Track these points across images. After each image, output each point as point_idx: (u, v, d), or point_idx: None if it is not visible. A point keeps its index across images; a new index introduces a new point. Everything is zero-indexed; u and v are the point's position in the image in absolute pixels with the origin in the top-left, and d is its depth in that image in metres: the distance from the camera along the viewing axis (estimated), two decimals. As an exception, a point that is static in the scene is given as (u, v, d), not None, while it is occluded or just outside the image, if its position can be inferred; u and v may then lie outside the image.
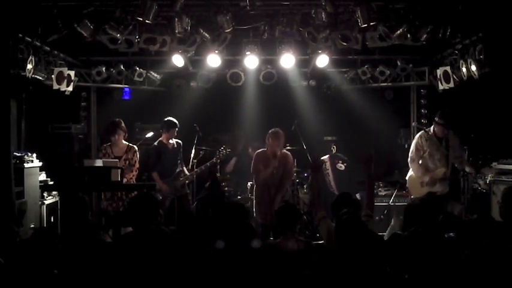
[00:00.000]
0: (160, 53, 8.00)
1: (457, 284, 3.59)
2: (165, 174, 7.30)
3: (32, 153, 6.86)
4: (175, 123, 7.40)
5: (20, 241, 4.35)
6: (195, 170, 7.61)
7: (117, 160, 6.67)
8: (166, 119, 7.45)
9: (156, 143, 7.46)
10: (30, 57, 6.74)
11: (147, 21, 6.40)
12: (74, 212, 4.32)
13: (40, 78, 7.21)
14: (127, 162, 6.90)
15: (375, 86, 9.13)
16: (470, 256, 3.61)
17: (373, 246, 3.73)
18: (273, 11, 6.99)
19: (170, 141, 7.40)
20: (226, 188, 8.41)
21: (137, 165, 7.00)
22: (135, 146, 7.10)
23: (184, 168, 7.54)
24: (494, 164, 6.89)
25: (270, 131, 6.66)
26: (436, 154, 6.64)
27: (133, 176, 6.97)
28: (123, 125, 7.04)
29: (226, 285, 3.48)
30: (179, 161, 7.45)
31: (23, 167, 6.49)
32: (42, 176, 7.03)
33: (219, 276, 3.50)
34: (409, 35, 6.68)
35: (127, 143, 7.07)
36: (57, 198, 7.16)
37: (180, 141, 7.54)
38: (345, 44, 7.08)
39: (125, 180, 6.71)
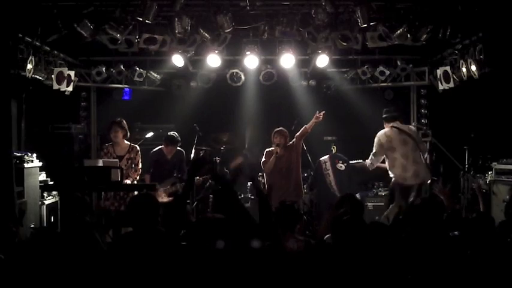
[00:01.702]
0: (160, 53, 7.99)
1: (459, 284, 3.58)
2: (157, 180, 7.21)
3: (32, 153, 6.87)
4: (176, 141, 7.40)
5: (20, 241, 4.35)
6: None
7: (117, 160, 6.65)
8: (169, 134, 7.45)
9: (155, 150, 7.46)
10: (30, 57, 6.73)
11: (147, 21, 6.41)
12: (72, 212, 4.31)
13: (40, 78, 7.20)
14: (129, 161, 6.88)
15: (375, 86, 9.12)
16: (471, 256, 3.62)
17: (373, 247, 3.72)
18: (273, 11, 6.99)
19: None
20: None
21: (140, 165, 6.99)
22: (137, 146, 7.06)
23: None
24: (494, 164, 6.89)
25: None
26: None
27: (137, 175, 6.97)
28: (123, 123, 6.97)
29: (225, 285, 3.47)
30: (176, 171, 7.34)
31: (23, 167, 6.49)
32: (42, 176, 7.04)
33: (218, 277, 3.50)
34: (409, 35, 6.67)
35: (129, 143, 7.04)
36: (57, 198, 7.16)
37: (182, 150, 7.51)
38: (345, 44, 7.08)
39: (130, 180, 6.74)
